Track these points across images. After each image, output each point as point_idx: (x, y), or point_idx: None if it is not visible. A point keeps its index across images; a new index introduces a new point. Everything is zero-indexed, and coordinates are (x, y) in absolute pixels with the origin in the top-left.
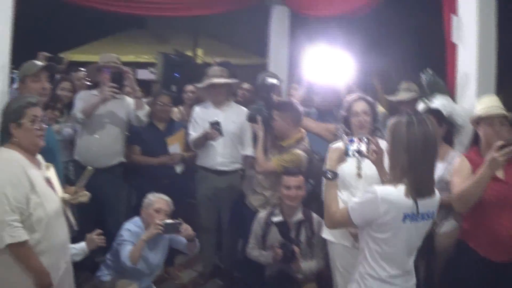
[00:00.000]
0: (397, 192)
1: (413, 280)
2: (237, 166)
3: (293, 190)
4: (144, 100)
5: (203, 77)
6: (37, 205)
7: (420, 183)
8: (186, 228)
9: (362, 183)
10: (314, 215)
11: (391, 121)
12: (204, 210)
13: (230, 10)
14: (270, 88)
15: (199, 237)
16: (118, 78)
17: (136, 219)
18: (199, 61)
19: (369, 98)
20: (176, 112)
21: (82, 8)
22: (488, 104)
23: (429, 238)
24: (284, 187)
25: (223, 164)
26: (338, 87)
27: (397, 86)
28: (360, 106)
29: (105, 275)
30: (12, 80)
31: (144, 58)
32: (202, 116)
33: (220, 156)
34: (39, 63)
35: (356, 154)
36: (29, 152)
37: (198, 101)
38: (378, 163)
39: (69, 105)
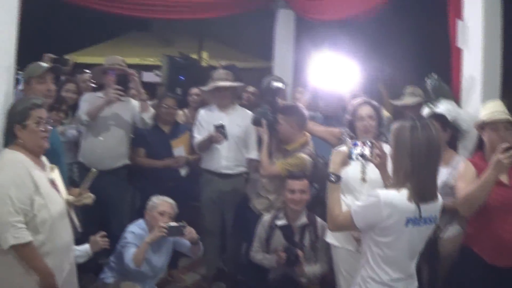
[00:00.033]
0: (400, 196)
1: (415, 284)
2: (242, 169)
3: (298, 194)
4: (149, 102)
5: (208, 80)
6: (41, 207)
7: (423, 187)
8: (190, 231)
9: (366, 188)
10: (318, 219)
11: (395, 125)
12: (208, 213)
13: (235, 13)
14: (275, 92)
15: (203, 240)
16: (123, 81)
17: (140, 221)
18: (204, 64)
19: (374, 103)
20: (181, 115)
21: (87, 10)
22: (493, 109)
23: (433, 243)
24: (288, 191)
25: (227, 167)
26: (342, 92)
27: (402, 90)
28: (365, 111)
29: (108, 277)
30: (17, 82)
31: (149, 61)
32: (207, 119)
33: (225, 159)
34: (44, 64)
35: (360, 158)
36: (34, 153)
37: (203, 104)
38: (381, 167)
39: (74, 107)
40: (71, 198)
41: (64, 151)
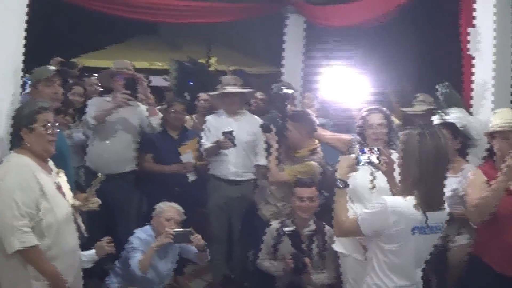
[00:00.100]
0: (407, 203)
1: None
2: (250, 175)
3: (306, 201)
4: (157, 107)
5: (216, 85)
6: (47, 211)
7: (430, 195)
8: (197, 238)
9: (375, 196)
10: (327, 227)
11: (403, 133)
12: (215, 219)
13: (244, 19)
14: (285, 98)
15: (209, 246)
16: (131, 85)
17: (147, 227)
18: (212, 69)
19: (385, 110)
20: (189, 120)
21: (95, 13)
22: (503, 117)
23: (442, 252)
24: (297, 198)
25: (235, 174)
26: (351, 102)
27: (412, 98)
28: (376, 118)
29: (113, 282)
30: (23, 85)
31: (157, 65)
32: (215, 125)
33: (233, 165)
34: (52, 68)
35: (367, 165)
36: (40, 157)
37: (211, 109)
38: (388, 174)
39: (81, 110)
40: (77, 202)
41: (70, 155)
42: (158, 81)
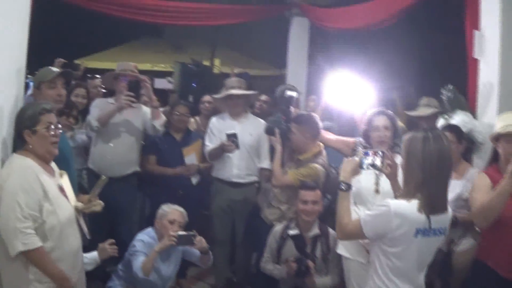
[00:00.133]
0: (410, 206)
1: None
2: (253, 178)
3: (310, 204)
4: (161, 109)
5: (220, 87)
6: (49, 213)
7: (433, 199)
8: (200, 240)
9: (379, 199)
10: (331, 231)
11: (407, 136)
12: (218, 222)
13: (249, 21)
14: (289, 101)
15: (212, 249)
16: (135, 87)
17: (150, 230)
18: (216, 71)
19: (390, 113)
20: (192, 123)
21: (99, 15)
22: (508, 121)
23: (447, 257)
24: (300, 201)
25: (238, 176)
26: (355, 107)
27: (417, 101)
28: (381, 121)
29: (116, 285)
30: (26, 86)
31: (160, 67)
32: (218, 127)
33: (236, 168)
34: (55, 69)
35: (370, 167)
36: (43, 159)
37: (215, 112)
38: (391, 177)
39: (84, 112)
40: (80, 205)
41: (73, 157)
42: (161, 83)
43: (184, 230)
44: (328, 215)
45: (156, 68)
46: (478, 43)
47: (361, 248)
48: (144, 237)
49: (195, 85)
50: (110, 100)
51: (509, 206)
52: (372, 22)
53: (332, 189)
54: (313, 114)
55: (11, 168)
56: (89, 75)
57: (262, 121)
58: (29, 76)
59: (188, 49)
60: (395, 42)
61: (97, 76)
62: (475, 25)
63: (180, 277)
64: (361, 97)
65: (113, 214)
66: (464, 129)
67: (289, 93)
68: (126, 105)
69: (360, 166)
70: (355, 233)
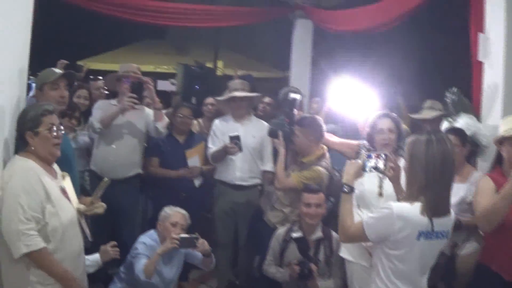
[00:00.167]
0: (413, 209)
1: None
2: (256, 181)
3: (313, 207)
4: (164, 111)
5: (223, 89)
6: (52, 215)
7: (436, 202)
8: (202, 243)
9: (382, 202)
10: (334, 234)
11: (410, 139)
12: (221, 224)
13: (253, 23)
14: (292, 103)
15: (215, 252)
16: (137, 89)
17: (152, 232)
18: (219, 73)
19: (394, 115)
20: (195, 125)
21: (101, 16)
22: None
23: (450, 260)
24: (303, 204)
25: (241, 179)
26: (359, 111)
27: (421, 104)
28: (386, 124)
29: None
30: (28, 87)
31: (163, 69)
32: (221, 130)
33: (239, 170)
34: (58, 70)
35: (373, 170)
36: (45, 161)
37: (218, 114)
38: (394, 179)
39: (86, 114)
40: (82, 207)
41: (75, 159)
42: (164, 85)
43: (187, 233)
44: (331, 218)
45: (159, 70)
46: (483, 45)
47: (364, 251)
48: (146, 240)
49: (198, 87)
50: (113, 101)
51: None
52: (376, 24)
53: (336, 192)
54: (317, 116)
55: (13, 169)
56: (91, 77)
57: (265, 123)
58: (31, 77)
59: (191, 51)
60: (399, 45)
61: (100, 77)
62: (480, 27)
63: (182, 280)
64: (365, 101)
65: (115, 216)
66: (468, 132)
67: (293, 95)
68: (129, 106)
69: (363, 168)
70: (358, 236)
